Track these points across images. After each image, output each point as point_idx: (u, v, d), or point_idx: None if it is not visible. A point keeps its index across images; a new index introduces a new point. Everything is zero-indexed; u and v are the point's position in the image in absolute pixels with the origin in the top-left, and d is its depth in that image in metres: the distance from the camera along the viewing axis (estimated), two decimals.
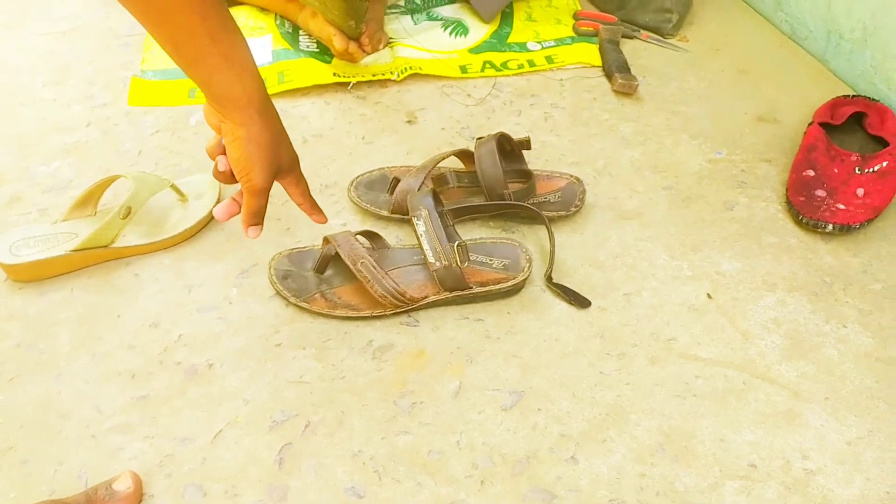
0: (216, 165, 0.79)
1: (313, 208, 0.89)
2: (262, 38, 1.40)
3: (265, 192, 0.79)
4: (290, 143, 0.83)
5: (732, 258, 1.02)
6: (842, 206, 1.04)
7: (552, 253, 0.99)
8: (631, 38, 1.44)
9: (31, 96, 1.25)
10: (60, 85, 1.28)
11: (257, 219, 0.80)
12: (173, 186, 1.02)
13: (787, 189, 1.10)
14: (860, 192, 1.05)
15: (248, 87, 0.73)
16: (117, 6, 1.45)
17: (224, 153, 0.78)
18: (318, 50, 1.39)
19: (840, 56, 1.32)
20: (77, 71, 1.31)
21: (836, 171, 1.08)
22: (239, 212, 0.81)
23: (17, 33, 1.40)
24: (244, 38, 0.73)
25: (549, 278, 0.98)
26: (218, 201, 1.05)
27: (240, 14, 1.46)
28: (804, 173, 1.09)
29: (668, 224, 1.07)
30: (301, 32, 1.43)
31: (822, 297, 0.97)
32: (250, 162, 0.76)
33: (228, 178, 0.79)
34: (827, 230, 1.03)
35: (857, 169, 1.08)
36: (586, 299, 0.96)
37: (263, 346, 0.90)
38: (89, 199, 0.99)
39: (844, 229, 1.02)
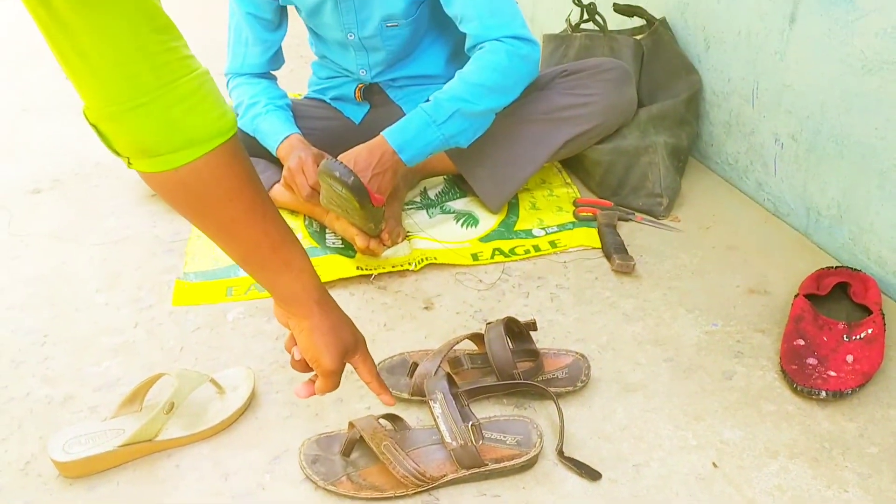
0: (292, 357, 0.95)
1: (381, 388, 1.00)
2: None
3: (336, 373, 0.93)
4: (353, 326, 0.96)
5: (734, 427, 1.08)
6: (833, 374, 1.11)
7: (562, 428, 1.05)
8: (627, 220, 1.58)
9: (85, 301, 1.39)
10: (112, 290, 1.42)
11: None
12: (212, 381, 1.12)
13: (780, 358, 1.17)
14: (850, 358, 1.13)
15: (307, 285, 0.88)
16: (164, 216, 1.63)
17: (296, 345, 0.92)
18: (342, 246, 1.53)
19: (821, 230, 1.43)
20: (126, 276, 1.46)
21: (825, 339, 1.16)
22: (314, 393, 0.95)
23: (74, 245, 1.57)
24: (300, 243, 0.89)
25: (560, 452, 1.04)
26: (253, 392, 1.15)
27: None
28: (795, 343, 1.17)
29: (671, 395, 1.14)
30: (328, 231, 1.58)
31: (822, 462, 1.01)
32: (317, 348, 0.89)
33: (304, 366, 0.95)
34: (821, 397, 1.09)
35: (844, 336, 1.15)
36: (597, 472, 1.01)
37: None
38: (136, 397, 1.09)
39: (838, 395, 1.08)
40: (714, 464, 1.02)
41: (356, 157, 1.42)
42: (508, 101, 1.49)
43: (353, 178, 1.28)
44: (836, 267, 1.31)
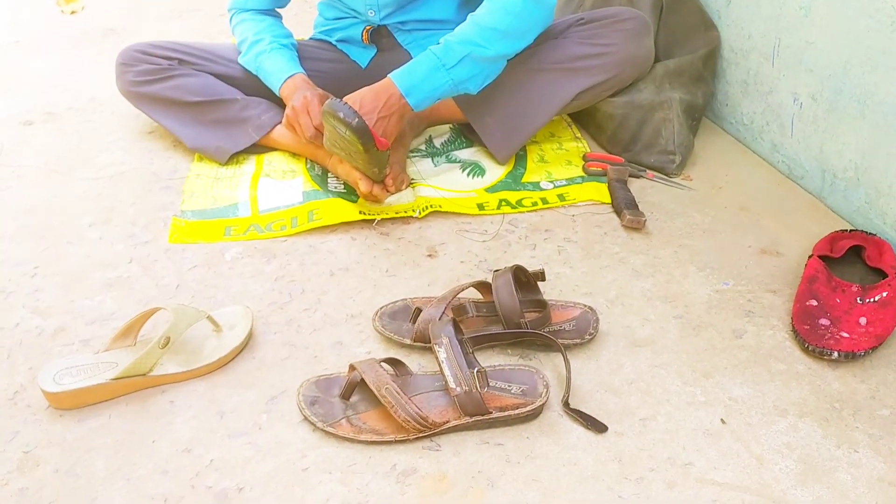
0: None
1: None
2: (293, 181, 1.51)
3: None
4: None
5: (743, 384, 1.05)
6: (846, 335, 1.08)
7: (568, 379, 1.03)
8: (638, 177, 1.54)
9: (77, 236, 1.35)
10: (105, 225, 1.38)
11: None
12: (209, 317, 1.08)
13: (792, 318, 1.14)
14: (863, 321, 1.10)
15: None
16: (161, 153, 1.59)
17: None
18: (345, 190, 1.49)
19: (836, 193, 1.40)
20: (121, 212, 1.42)
21: (838, 301, 1.13)
22: None
23: (65, 178, 1.52)
24: None
25: (566, 403, 1.01)
26: (250, 332, 1.11)
27: (273, 158, 1.58)
28: (807, 303, 1.14)
29: (680, 351, 1.11)
30: (330, 175, 1.54)
31: (832, 422, 0.99)
32: None
33: None
34: (833, 357, 1.06)
35: (858, 299, 1.13)
36: (603, 424, 0.99)
37: (291, 470, 0.93)
38: (130, 330, 1.05)
39: (850, 356, 1.06)
40: (722, 420, 1.00)
41: (361, 98, 1.37)
42: (521, 48, 1.44)
43: (356, 119, 1.24)
44: (851, 230, 1.28)
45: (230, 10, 1.65)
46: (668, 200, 1.47)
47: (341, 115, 1.24)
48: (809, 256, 1.22)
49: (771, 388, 1.05)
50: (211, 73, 1.59)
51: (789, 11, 1.41)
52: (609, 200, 1.47)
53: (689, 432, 0.98)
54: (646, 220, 1.38)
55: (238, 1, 1.62)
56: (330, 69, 1.65)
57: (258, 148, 1.60)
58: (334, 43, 1.71)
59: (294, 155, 1.59)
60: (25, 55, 2.07)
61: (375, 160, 1.32)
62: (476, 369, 0.97)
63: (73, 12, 2.33)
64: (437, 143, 1.67)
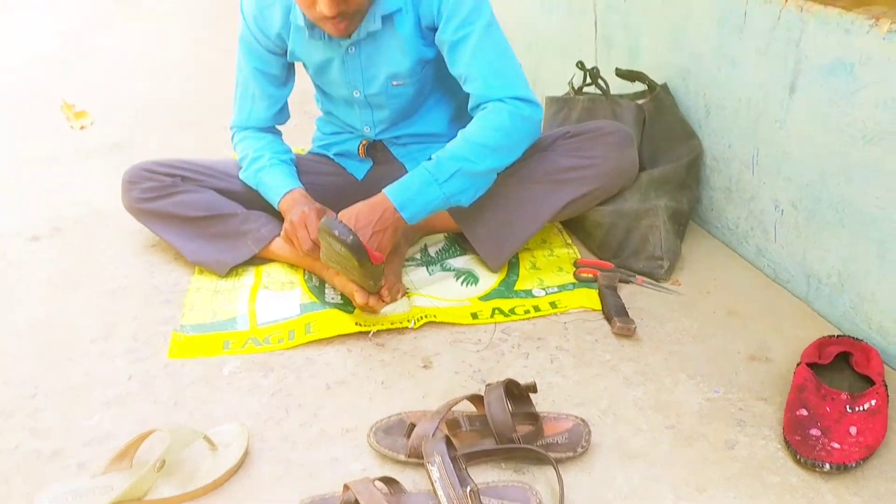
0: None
1: None
2: (291, 293, 1.55)
3: None
4: None
5: (737, 498, 1.05)
6: (836, 445, 1.09)
7: (562, 495, 1.03)
8: (627, 282, 1.57)
9: (79, 352, 1.37)
10: (107, 340, 1.41)
11: None
12: (206, 437, 1.10)
13: (783, 428, 1.15)
14: (853, 430, 1.11)
15: None
16: (162, 267, 1.63)
17: None
18: (342, 301, 1.52)
19: (821, 298, 1.43)
20: (122, 327, 1.45)
21: (827, 409, 1.15)
22: None
23: (69, 294, 1.56)
24: None
25: None
26: (246, 450, 1.12)
27: (272, 270, 1.62)
28: (798, 412, 1.15)
29: (673, 463, 1.12)
30: (327, 285, 1.58)
31: None
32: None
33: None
34: (825, 469, 1.07)
35: (847, 407, 1.14)
36: None
37: None
38: (126, 453, 1.07)
39: (842, 468, 1.06)
40: None
41: (357, 213, 1.42)
42: (510, 161, 1.50)
43: (351, 236, 1.28)
44: (838, 336, 1.30)
45: (232, 128, 1.72)
46: (657, 305, 1.50)
47: (336, 232, 1.28)
48: (798, 364, 1.24)
49: (765, 503, 1.05)
50: (213, 189, 1.65)
51: (765, 123, 1.48)
52: (600, 307, 1.50)
53: None
54: (636, 327, 1.40)
55: (239, 119, 1.70)
56: (327, 182, 1.72)
57: (257, 260, 1.64)
58: (332, 157, 1.78)
59: (292, 266, 1.64)
60: (36, 169, 2.15)
61: (370, 274, 1.36)
62: (469, 488, 0.98)
63: (82, 127, 2.42)
64: (432, 251, 1.72)
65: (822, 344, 1.28)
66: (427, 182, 1.43)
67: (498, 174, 1.52)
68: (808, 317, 1.44)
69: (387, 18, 1.47)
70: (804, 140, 1.39)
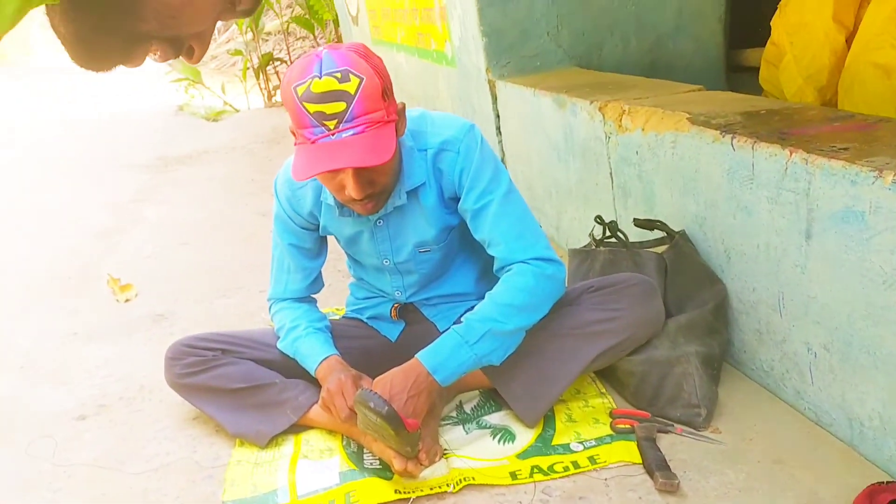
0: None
1: None
2: (330, 461, 1.56)
3: None
4: None
5: None
6: None
7: None
8: (666, 432, 1.56)
9: None
10: None
11: None
12: None
13: None
14: None
15: None
16: (204, 440, 1.65)
17: None
18: (381, 466, 1.53)
19: (866, 442, 1.40)
20: None
21: None
22: None
23: (114, 475, 1.58)
24: None
25: None
26: None
27: (311, 437, 1.64)
28: None
29: None
30: (365, 450, 1.58)
31: None
32: None
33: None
34: None
35: None
36: None
37: None
38: None
39: None
40: None
41: (391, 380, 1.46)
42: (537, 319, 1.54)
43: (386, 408, 1.32)
44: (888, 482, 1.27)
45: (270, 299, 1.79)
46: (699, 457, 1.48)
47: (371, 404, 1.32)
48: None
49: None
50: (252, 360, 1.70)
51: (786, 268, 1.51)
52: (639, 461, 1.48)
53: None
54: (679, 483, 1.38)
55: (276, 291, 1.77)
56: (362, 345, 1.76)
57: (297, 427, 1.66)
58: (365, 320, 1.84)
59: (331, 431, 1.65)
60: (83, 345, 2.23)
61: (407, 441, 1.38)
62: None
63: (127, 300, 2.53)
64: (468, 408, 1.73)
65: (873, 492, 1.25)
66: (458, 345, 1.48)
67: (526, 331, 1.56)
68: (855, 462, 1.41)
69: (411, 193, 1.56)
70: (826, 284, 1.41)
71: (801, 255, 1.45)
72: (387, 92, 1.39)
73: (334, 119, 1.33)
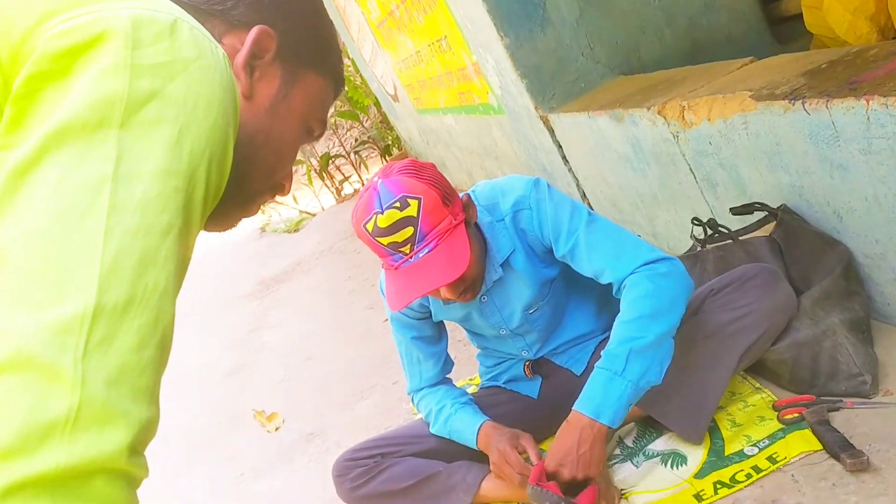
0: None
1: None
2: None
3: None
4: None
5: None
6: None
7: None
8: (837, 409, 1.51)
9: None
10: None
11: None
12: None
13: None
14: None
15: None
16: None
17: None
18: None
19: None
20: None
21: None
22: None
23: None
24: None
25: None
26: None
27: None
28: None
29: None
30: None
31: None
32: None
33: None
34: None
35: None
36: None
37: None
38: None
39: None
40: None
41: (561, 444, 1.46)
42: (676, 320, 1.48)
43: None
44: None
45: (409, 392, 1.86)
46: (880, 425, 1.43)
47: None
48: None
49: None
50: (412, 454, 1.76)
51: None
52: (820, 447, 1.44)
53: None
54: (868, 458, 1.33)
55: (413, 384, 1.84)
56: (508, 411, 1.80)
57: None
58: (503, 385, 1.87)
59: (508, 502, 1.68)
60: (252, 484, 2.34)
61: None
62: None
63: (276, 429, 2.65)
64: (629, 441, 1.73)
65: None
66: (608, 380, 1.44)
67: (673, 339, 1.50)
68: None
69: (504, 264, 1.60)
70: None
71: None
72: (447, 198, 1.46)
73: (407, 244, 1.41)
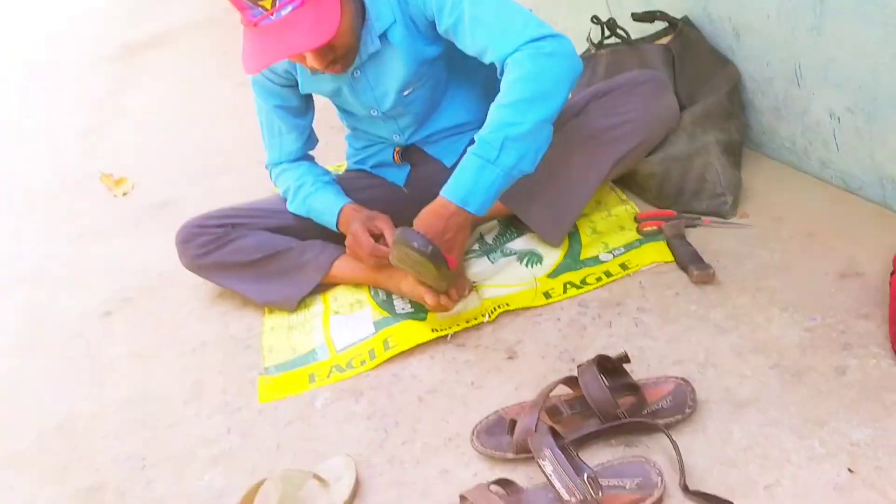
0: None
1: None
2: (362, 312, 1.55)
3: None
4: None
5: (861, 425, 1.02)
6: None
7: (680, 461, 1.01)
8: (694, 226, 1.53)
9: (176, 417, 1.40)
10: (199, 400, 1.43)
11: None
12: (315, 476, 1.10)
13: (891, 342, 1.10)
14: None
15: None
16: (234, 314, 1.65)
17: None
18: (413, 309, 1.52)
19: None
20: (210, 382, 1.47)
21: None
22: None
23: (153, 361, 1.59)
24: None
25: (685, 488, 0.99)
26: (357, 480, 1.13)
27: (338, 293, 1.63)
28: None
29: (787, 403, 1.08)
30: (395, 296, 1.57)
31: None
32: None
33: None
34: None
35: None
36: (728, 501, 0.96)
37: None
38: None
39: None
40: (850, 469, 0.96)
41: (426, 226, 1.35)
42: (557, 107, 1.35)
43: (430, 247, 1.27)
44: None
45: (268, 166, 1.73)
46: (731, 244, 1.45)
47: (415, 244, 1.27)
48: (892, 273, 1.19)
49: (891, 424, 1.01)
50: (264, 229, 1.66)
51: (801, 34, 1.41)
52: (672, 258, 1.46)
53: (819, 491, 0.95)
54: (714, 272, 1.36)
55: (272, 157, 1.70)
56: (373, 195, 1.71)
57: (322, 287, 1.65)
58: (369, 170, 1.77)
59: (357, 285, 1.64)
60: (92, 245, 2.19)
61: (445, 276, 1.35)
62: (586, 475, 0.96)
63: (124, 193, 2.47)
64: (489, 238, 1.70)
65: None
66: (480, 167, 1.33)
67: (553, 125, 1.37)
68: (889, 220, 1.38)
69: (383, 36, 1.43)
70: (845, 42, 1.32)
71: (816, 15, 1.35)
72: None
73: None
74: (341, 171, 1.87)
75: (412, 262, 1.31)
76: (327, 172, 1.70)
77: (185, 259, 1.66)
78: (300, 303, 1.63)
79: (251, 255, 1.62)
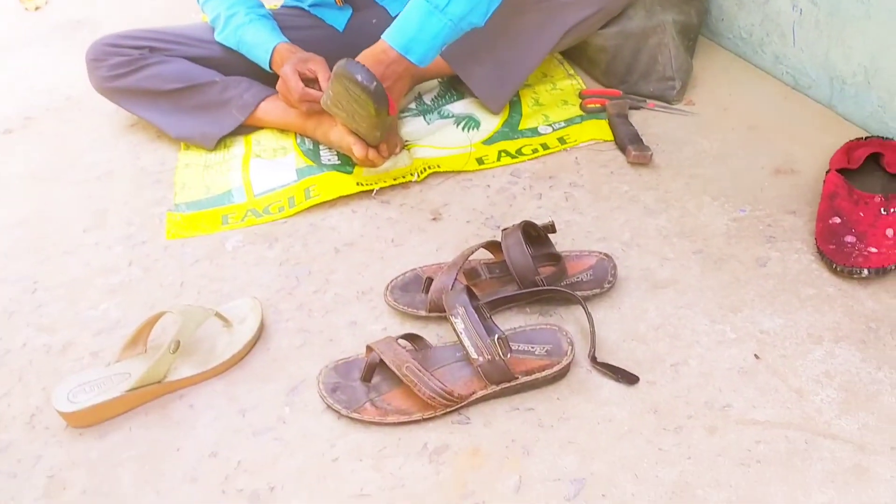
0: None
1: None
2: (285, 159, 1.47)
3: None
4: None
5: (774, 315, 1.02)
6: (874, 250, 1.04)
7: (592, 332, 0.99)
8: (638, 108, 1.48)
9: (74, 243, 1.31)
10: (100, 229, 1.34)
11: None
12: (218, 314, 1.05)
13: (816, 239, 1.10)
14: (889, 232, 1.06)
15: None
16: (146, 146, 1.54)
17: None
18: (339, 162, 1.44)
19: (846, 100, 1.34)
20: (114, 213, 1.38)
21: (861, 215, 1.09)
22: None
23: (53, 185, 1.48)
24: None
25: (593, 358, 0.98)
26: (261, 323, 1.08)
27: (261, 137, 1.53)
28: (830, 221, 1.10)
29: (704, 288, 1.08)
30: (322, 147, 1.49)
31: (870, 344, 0.96)
32: None
33: None
34: (863, 275, 1.03)
35: (882, 210, 1.08)
36: (634, 375, 0.96)
37: (321, 462, 0.91)
38: (139, 338, 1.03)
39: (880, 272, 1.02)
40: (756, 355, 0.97)
41: None
42: None
43: (375, 83, 1.17)
44: (867, 138, 1.22)
45: None
46: (672, 129, 1.42)
47: (359, 77, 1.16)
48: (827, 172, 1.17)
49: (802, 316, 1.01)
50: (185, 57, 1.52)
51: None
52: (611, 137, 1.41)
53: (724, 373, 0.95)
54: (652, 154, 1.33)
55: None
56: (307, 36, 1.58)
57: (245, 128, 1.54)
58: (307, 8, 1.64)
59: (283, 131, 1.54)
60: None
61: (381, 124, 1.26)
62: (497, 336, 0.94)
63: (36, 8, 2.25)
64: (427, 99, 1.61)
65: (851, 148, 1.21)
66: (426, 13, 1.23)
67: None
68: (833, 122, 1.36)
69: None
70: None
71: None
72: None
73: None
74: (276, 7, 1.73)
75: (350, 99, 1.21)
76: (262, 5, 1.56)
77: (94, 80, 1.52)
78: (219, 142, 1.53)
79: (169, 83, 1.49)
